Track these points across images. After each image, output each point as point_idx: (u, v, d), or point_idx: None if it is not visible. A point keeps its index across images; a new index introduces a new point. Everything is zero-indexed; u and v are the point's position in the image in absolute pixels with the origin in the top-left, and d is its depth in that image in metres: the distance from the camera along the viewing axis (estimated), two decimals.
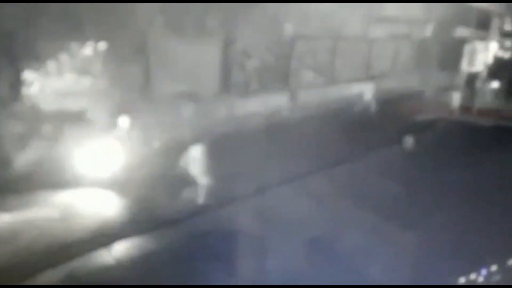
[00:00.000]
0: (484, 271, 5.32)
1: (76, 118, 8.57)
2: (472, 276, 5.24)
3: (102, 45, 8.97)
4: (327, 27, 13.05)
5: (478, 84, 15.19)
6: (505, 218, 6.73)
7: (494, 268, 5.40)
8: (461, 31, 19.04)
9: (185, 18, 9.97)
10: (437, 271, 5.27)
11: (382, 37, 16.02)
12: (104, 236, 5.99)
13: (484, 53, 16.37)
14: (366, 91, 13.66)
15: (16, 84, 7.82)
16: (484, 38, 16.55)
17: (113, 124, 9.20)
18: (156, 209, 6.73)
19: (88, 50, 8.85)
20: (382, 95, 13.66)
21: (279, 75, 12.27)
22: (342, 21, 13.53)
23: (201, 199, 7.26)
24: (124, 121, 8.81)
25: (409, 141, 10.23)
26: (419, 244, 5.85)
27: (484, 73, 15.31)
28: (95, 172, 7.65)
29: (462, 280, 5.15)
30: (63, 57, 8.46)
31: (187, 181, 7.32)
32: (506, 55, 21.35)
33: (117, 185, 7.40)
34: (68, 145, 7.87)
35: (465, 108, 14.36)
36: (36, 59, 7.83)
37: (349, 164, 9.05)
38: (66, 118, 8.37)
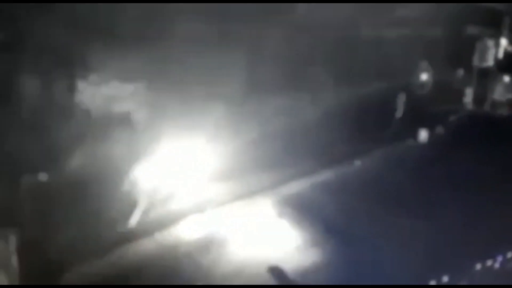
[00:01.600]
0: (500, 258, 5.64)
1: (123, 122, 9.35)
2: (489, 262, 5.57)
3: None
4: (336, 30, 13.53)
5: (490, 78, 15.48)
6: None
7: (510, 255, 5.64)
8: (471, 29, 19.32)
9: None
10: (454, 256, 5.57)
11: (393, 38, 16.48)
12: None
13: (495, 49, 16.68)
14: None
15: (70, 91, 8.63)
16: (494, 36, 16.90)
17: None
18: None
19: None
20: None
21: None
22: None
23: None
24: None
25: (423, 133, 10.62)
26: (434, 232, 6.10)
27: (495, 68, 15.60)
28: None
29: (478, 267, 5.45)
30: (110, 65, 9.22)
31: None
32: None
33: None
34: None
35: (479, 100, 14.79)
36: (86, 67, 8.63)
37: (362, 158, 9.38)
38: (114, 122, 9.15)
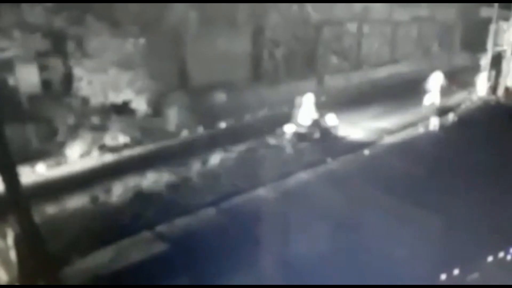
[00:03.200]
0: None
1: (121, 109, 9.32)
2: (501, 254, 5.43)
3: (141, 41, 9.60)
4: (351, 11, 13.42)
5: (504, 63, 15.08)
6: None
7: None
8: (485, 11, 18.75)
9: (217, 11, 10.48)
10: (465, 250, 5.42)
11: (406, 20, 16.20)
12: None
13: (509, 33, 16.15)
14: None
15: (68, 79, 8.59)
16: (508, 18, 16.38)
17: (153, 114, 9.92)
18: None
19: (129, 45, 9.49)
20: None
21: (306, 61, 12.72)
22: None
23: None
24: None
25: (435, 121, 10.48)
26: (445, 225, 5.99)
27: (509, 52, 15.17)
28: None
29: (490, 259, 5.35)
30: (108, 53, 9.12)
31: None
32: None
33: None
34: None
35: (492, 87, 14.31)
36: (84, 55, 8.55)
37: (371, 146, 9.34)
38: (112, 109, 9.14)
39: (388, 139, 9.94)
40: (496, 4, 15.13)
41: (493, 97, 14.06)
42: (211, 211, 6.64)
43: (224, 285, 4.93)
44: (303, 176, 7.99)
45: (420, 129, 10.52)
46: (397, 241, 5.59)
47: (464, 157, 8.54)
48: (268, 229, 5.90)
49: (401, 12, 15.56)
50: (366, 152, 9.17)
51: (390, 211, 6.35)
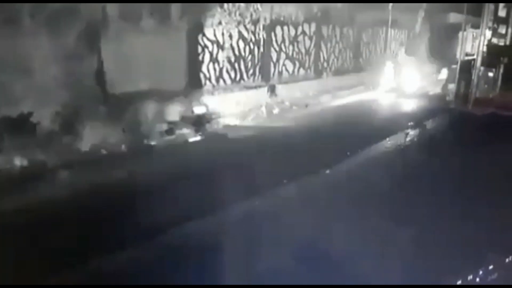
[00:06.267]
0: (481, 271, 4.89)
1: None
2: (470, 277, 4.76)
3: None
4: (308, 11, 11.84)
5: (474, 72, 14.07)
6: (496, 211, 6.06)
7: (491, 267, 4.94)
8: (454, 17, 17.94)
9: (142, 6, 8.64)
10: (432, 270, 4.77)
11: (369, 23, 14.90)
12: None
13: (478, 40, 15.24)
14: None
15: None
16: (477, 24, 15.44)
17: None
18: None
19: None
20: None
21: (255, 67, 11.00)
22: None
23: None
24: None
25: (405, 133, 9.16)
26: (413, 241, 5.36)
27: (479, 61, 14.17)
28: None
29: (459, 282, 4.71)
30: None
31: None
32: (500, 42, 20.24)
33: None
34: None
35: (462, 97, 13.44)
36: None
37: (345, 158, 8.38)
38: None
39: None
40: (464, 10, 14.10)
41: (463, 107, 13.08)
42: None
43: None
44: None
45: (389, 142, 9.40)
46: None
47: (432, 167, 7.96)
48: None
49: (363, 14, 14.17)
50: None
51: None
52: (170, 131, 9.09)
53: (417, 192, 6.80)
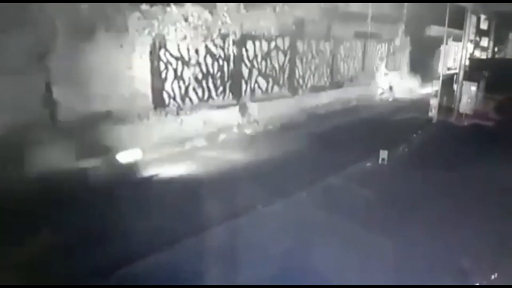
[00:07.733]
0: None
1: None
2: None
3: None
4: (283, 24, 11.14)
5: (456, 86, 13.65)
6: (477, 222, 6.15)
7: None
8: (435, 30, 17.58)
9: (99, 14, 7.81)
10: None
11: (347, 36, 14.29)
12: None
13: (460, 53, 14.86)
14: None
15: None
16: (459, 37, 15.07)
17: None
18: None
19: None
20: None
21: (225, 85, 10.22)
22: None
23: None
24: None
25: (385, 152, 8.51)
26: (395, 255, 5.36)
27: (461, 74, 13.74)
28: None
29: None
30: None
31: None
32: (482, 55, 20.00)
33: None
34: None
35: (445, 109, 13.31)
36: None
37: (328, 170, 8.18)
38: None
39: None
40: (446, 22, 13.67)
41: (446, 121, 12.94)
42: None
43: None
44: None
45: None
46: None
47: (414, 186, 7.80)
48: None
49: (341, 27, 13.56)
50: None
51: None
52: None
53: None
